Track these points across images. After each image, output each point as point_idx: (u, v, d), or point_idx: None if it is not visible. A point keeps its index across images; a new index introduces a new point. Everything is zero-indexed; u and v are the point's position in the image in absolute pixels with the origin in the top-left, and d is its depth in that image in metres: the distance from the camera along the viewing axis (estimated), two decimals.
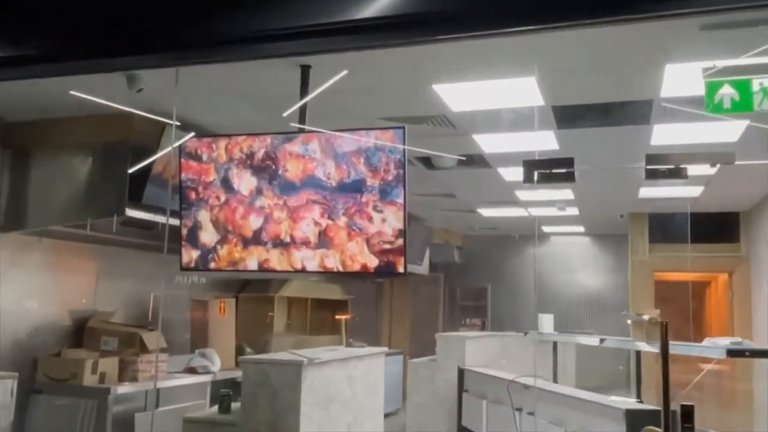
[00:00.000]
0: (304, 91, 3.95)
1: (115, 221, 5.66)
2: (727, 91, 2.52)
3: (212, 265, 4.05)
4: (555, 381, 7.71)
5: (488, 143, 5.87)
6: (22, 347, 5.61)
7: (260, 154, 3.96)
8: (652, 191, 7.75)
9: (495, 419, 6.72)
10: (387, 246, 3.71)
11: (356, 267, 3.78)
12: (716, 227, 9.10)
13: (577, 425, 5.11)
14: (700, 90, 2.66)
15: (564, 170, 3.29)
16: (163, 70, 4.34)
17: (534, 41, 3.41)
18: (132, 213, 5.23)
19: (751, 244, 8.86)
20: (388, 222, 3.72)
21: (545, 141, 5.66)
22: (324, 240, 3.82)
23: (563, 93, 4.48)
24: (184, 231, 4.12)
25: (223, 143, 4.04)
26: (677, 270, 9.79)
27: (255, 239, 3.94)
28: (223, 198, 4.03)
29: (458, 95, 4.58)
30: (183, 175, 4.12)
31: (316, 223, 3.83)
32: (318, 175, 3.84)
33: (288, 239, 3.88)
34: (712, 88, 2.51)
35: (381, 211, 3.73)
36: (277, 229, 3.90)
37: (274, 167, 3.93)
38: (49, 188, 5.30)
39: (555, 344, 7.94)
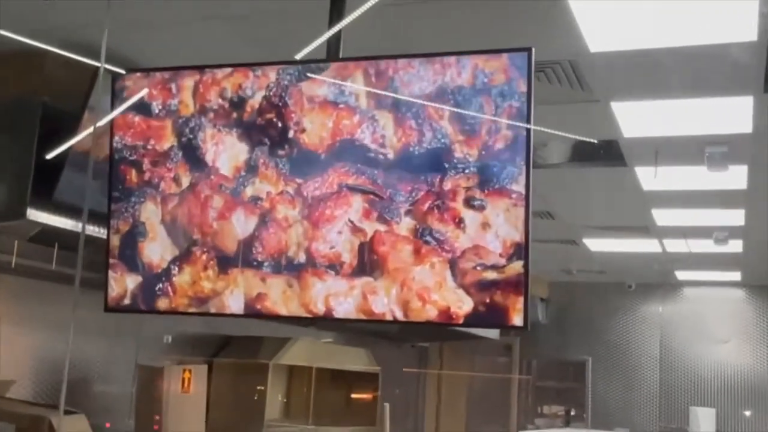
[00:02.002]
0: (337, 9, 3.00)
1: (17, 232, 4.75)
2: None
3: (162, 302, 3.03)
4: None
5: (633, 119, 4.83)
6: None
7: (256, 102, 2.96)
8: None
9: None
10: (491, 275, 2.66)
11: (430, 314, 2.72)
12: None
13: None
14: None
15: None
16: None
17: None
18: (38, 216, 4.27)
19: None
20: (494, 228, 2.68)
21: (733, 114, 4.62)
22: (370, 261, 2.78)
23: None
24: (115, 240, 3.12)
25: (189, 82, 3.06)
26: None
27: (242, 257, 2.93)
28: (186, 181, 3.03)
29: (606, 19, 3.59)
30: (116, 138, 3.14)
31: (356, 229, 2.81)
32: (362, 138, 2.83)
33: (302, 258, 2.86)
34: None
35: (481, 208, 2.69)
36: (282, 238, 2.88)
37: (280, 125, 2.92)
38: None
39: None
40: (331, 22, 2.99)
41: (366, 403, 8.69)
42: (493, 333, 10.30)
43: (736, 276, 10.25)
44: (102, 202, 4.48)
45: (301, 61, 2.91)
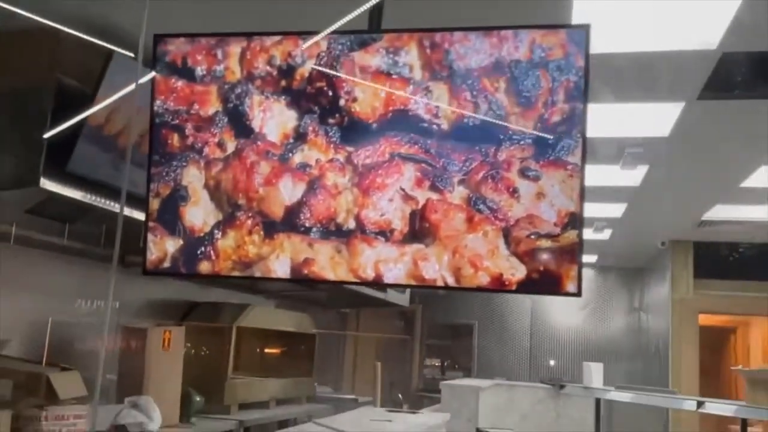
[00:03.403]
0: None
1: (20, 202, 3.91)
2: None
3: (204, 265, 2.35)
4: None
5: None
6: None
7: (306, 70, 2.32)
8: (728, 210, 6.43)
9: None
10: (545, 243, 2.12)
11: (482, 280, 2.16)
12: None
13: None
14: None
15: None
16: None
17: None
18: (51, 186, 3.47)
19: None
20: (548, 198, 2.14)
21: (658, 118, 4.22)
22: (421, 228, 2.19)
23: None
24: (155, 204, 2.41)
25: (236, 48, 2.38)
26: (728, 312, 8.57)
27: (288, 222, 2.28)
28: (231, 147, 2.36)
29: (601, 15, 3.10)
30: (157, 102, 2.43)
31: (407, 197, 2.21)
32: (415, 109, 2.23)
33: (352, 224, 2.24)
34: None
35: (536, 178, 2.14)
36: (331, 205, 2.26)
37: (331, 94, 2.29)
38: None
39: (598, 402, 6.48)
40: None
41: (305, 358, 8.07)
42: (403, 301, 9.79)
43: (592, 258, 10.06)
44: (113, 175, 3.73)
45: (355, 31, 2.28)
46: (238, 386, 6.58)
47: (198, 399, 5.90)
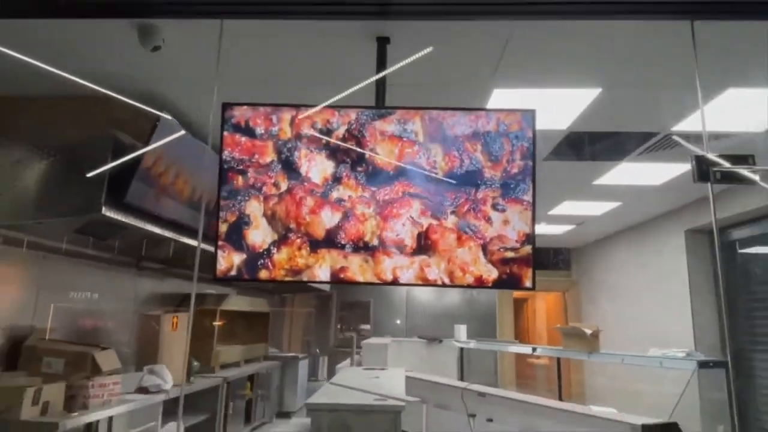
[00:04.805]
0: (380, 69, 2.18)
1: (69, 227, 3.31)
2: None
3: (263, 273, 2.03)
4: (461, 380, 6.20)
5: None
6: None
7: (340, 132, 2.08)
8: (537, 228, 6.68)
9: (437, 423, 5.02)
10: (510, 254, 2.00)
11: (468, 280, 2.00)
12: (555, 258, 8.37)
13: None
14: None
15: (747, 168, 1.84)
16: (185, 36, 2.33)
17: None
18: (111, 213, 2.95)
19: (581, 273, 8.18)
20: (511, 224, 2.02)
21: None
22: (425, 244, 2.01)
23: (609, 114, 3.10)
24: (224, 228, 2.06)
25: (287, 115, 2.10)
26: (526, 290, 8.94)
27: (328, 241, 2.02)
28: (284, 186, 2.06)
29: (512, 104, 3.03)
30: (225, 152, 2.09)
31: (415, 223, 2.02)
32: (419, 162, 2.05)
33: (375, 242, 2.01)
34: None
35: (503, 210, 2.02)
36: (360, 228, 2.02)
37: (359, 150, 2.06)
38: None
39: (462, 350, 6.49)
40: (379, 67, 2.17)
41: (262, 329, 7.56)
42: (326, 287, 9.41)
43: None
44: (155, 205, 3.25)
45: (377, 107, 2.08)
46: (220, 352, 6.03)
47: (196, 364, 5.32)
